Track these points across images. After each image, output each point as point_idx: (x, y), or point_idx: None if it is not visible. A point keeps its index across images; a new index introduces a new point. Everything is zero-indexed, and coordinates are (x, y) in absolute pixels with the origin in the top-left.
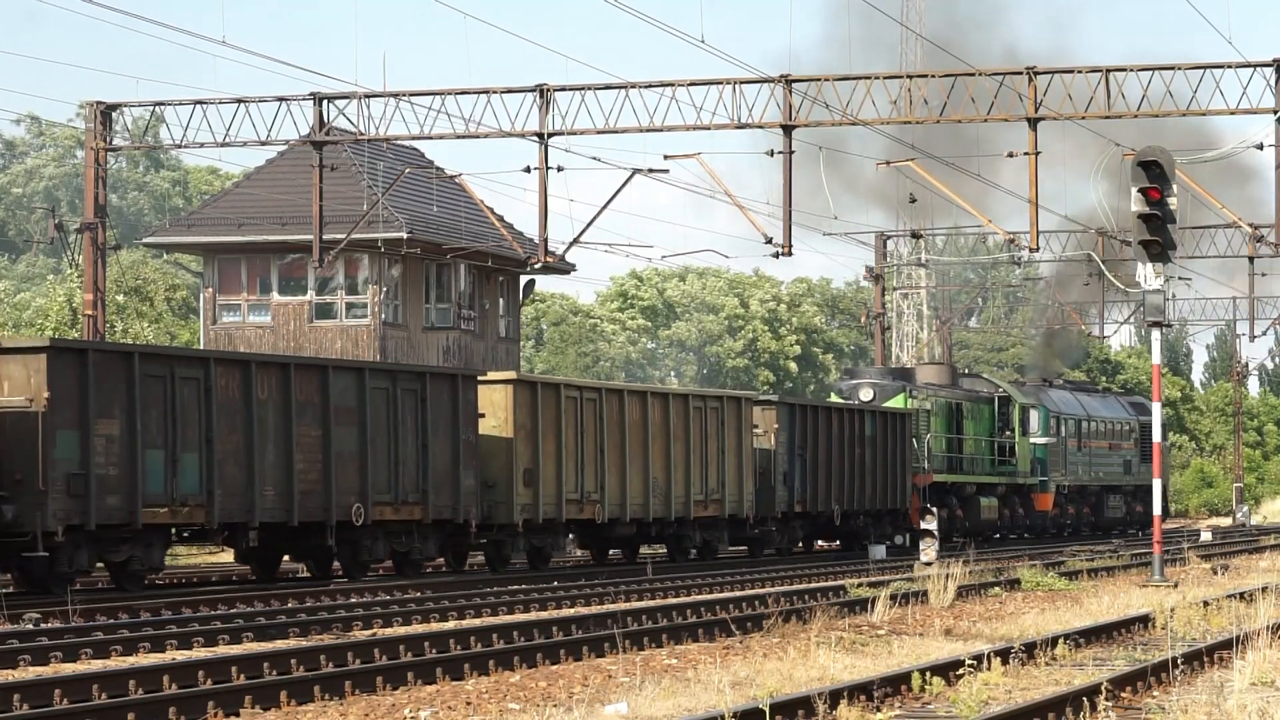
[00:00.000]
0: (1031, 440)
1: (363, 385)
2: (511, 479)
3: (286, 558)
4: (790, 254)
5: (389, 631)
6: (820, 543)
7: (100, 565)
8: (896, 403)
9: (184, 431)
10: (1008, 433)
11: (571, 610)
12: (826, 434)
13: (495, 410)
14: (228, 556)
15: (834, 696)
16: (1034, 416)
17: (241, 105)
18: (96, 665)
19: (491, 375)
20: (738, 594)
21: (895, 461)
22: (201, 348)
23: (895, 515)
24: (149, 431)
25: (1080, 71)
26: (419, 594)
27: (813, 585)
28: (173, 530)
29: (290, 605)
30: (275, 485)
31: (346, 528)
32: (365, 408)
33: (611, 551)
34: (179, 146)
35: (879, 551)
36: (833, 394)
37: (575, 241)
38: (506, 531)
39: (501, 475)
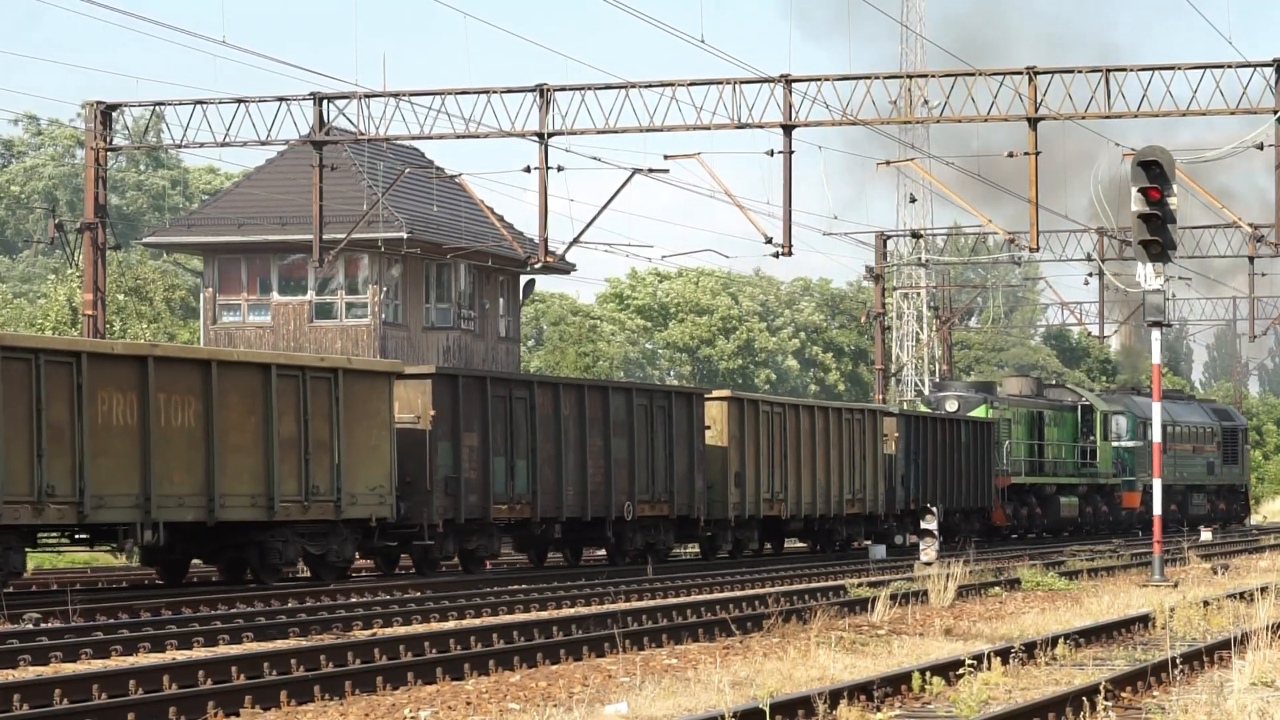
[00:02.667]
0: (1116, 444)
1: (630, 402)
2: (726, 481)
3: (545, 551)
4: (790, 254)
5: (389, 631)
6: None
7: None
8: (979, 413)
9: (517, 442)
10: (1091, 438)
11: (571, 610)
12: (932, 441)
13: (715, 423)
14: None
15: (834, 696)
16: (1121, 422)
17: (241, 105)
18: (96, 665)
19: (716, 393)
20: (738, 594)
21: (981, 465)
22: (495, 370)
23: (981, 512)
24: (495, 442)
25: (1080, 71)
26: (419, 594)
27: (813, 585)
28: (508, 524)
29: (290, 605)
30: (575, 486)
31: (619, 522)
32: (632, 422)
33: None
34: (179, 146)
35: (879, 551)
36: (920, 405)
37: (575, 241)
38: (720, 526)
39: (718, 478)
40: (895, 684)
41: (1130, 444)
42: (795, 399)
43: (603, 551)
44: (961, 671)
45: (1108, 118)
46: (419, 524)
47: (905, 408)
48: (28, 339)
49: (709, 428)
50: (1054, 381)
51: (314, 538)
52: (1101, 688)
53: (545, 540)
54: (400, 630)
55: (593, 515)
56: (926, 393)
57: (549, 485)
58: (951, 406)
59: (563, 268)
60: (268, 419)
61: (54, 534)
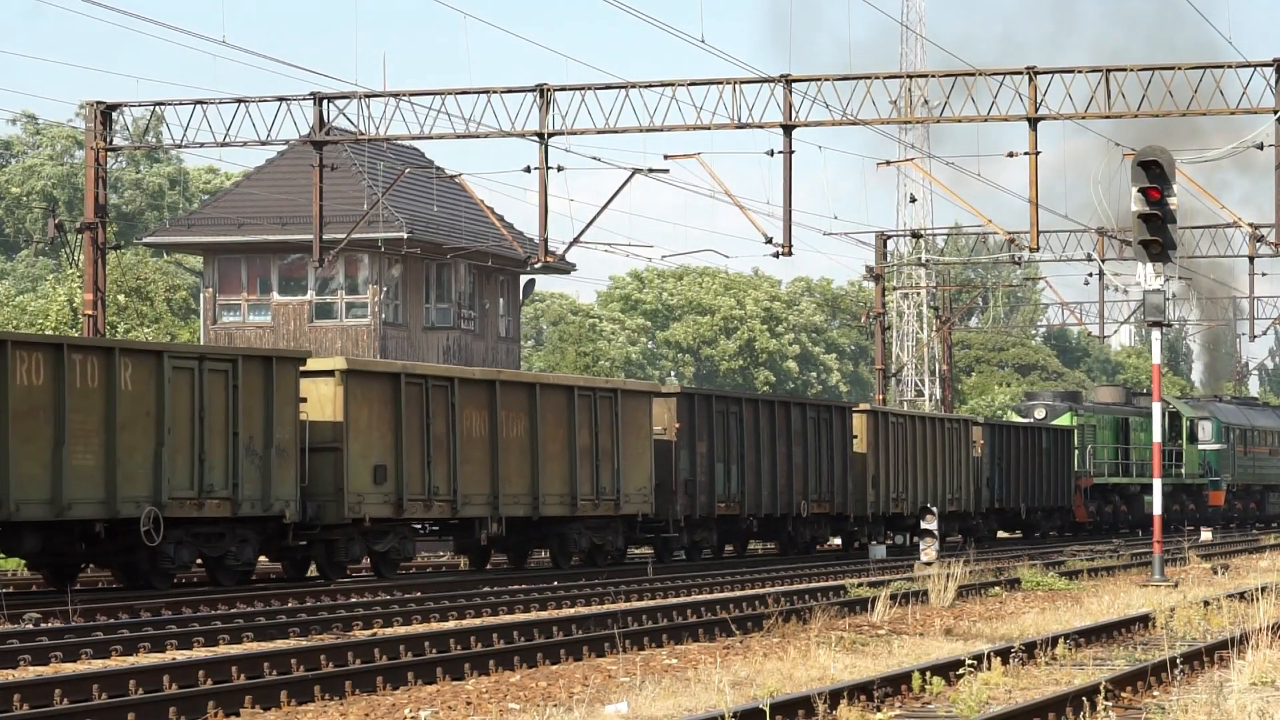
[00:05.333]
0: (1202, 447)
1: (804, 415)
2: (865, 483)
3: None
4: (790, 254)
5: (389, 631)
6: (1001, 533)
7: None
8: (1063, 420)
9: (731, 450)
10: (1178, 441)
11: (572, 610)
12: (1015, 447)
13: (860, 433)
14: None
15: (834, 696)
16: (1206, 426)
17: (241, 105)
18: (96, 665)
19: (860, 406)
20: (738, 594)
21: (1061, 467)
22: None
23: (1062, 510)
24: (717, 451)
25: (1080, 71)
26: (419, 594)
27: (813, 585)
28: (720, 519)
29: (290, 605)
30: (768, 488)
31: (797, 519)
32: (805, 432)
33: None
34: (179, 146)
35: (879, 551)
36: (1011, 413)
37: (575, 241)
38: (860, 521)
39: (860, 480)
40: (895, 684)
41: (1215, 447)
42: (912, 412)
43: (772, 544)
44: (961, 671)
45: (1108, 118)
46: (666, 519)
47: (990, 417)
48: (424, 367)
49: (855, 437)
50: (1142, 390)
51: (597, 530)
52: (1101, 688)
53: (749, 534)
54: (400, 630)
55: (780, 512)
56: (926, 394)
57: (751, 487)
58: (1040, 414)
59: (563, 268)
60: (571, 431)
61: (434, 526)
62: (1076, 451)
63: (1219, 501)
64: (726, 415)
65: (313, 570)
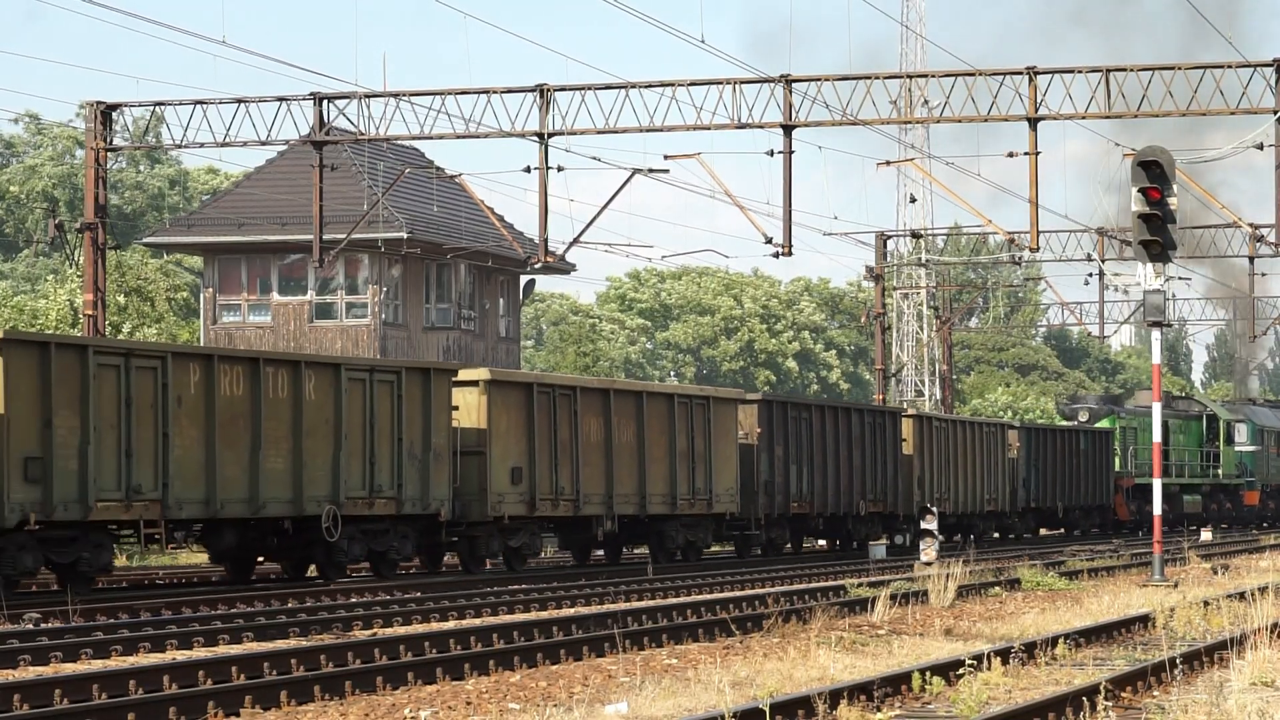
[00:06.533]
0: (1238, 449)
1: (863, 421)
2: (912, 484)
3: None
4: (790, 254)
5: (389, 631)
6: (1043, 530)
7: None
8: (1105, 423)
9: (802, 453)
10: (1215, 443)
11: (571, 610)
12: (1051, 448)
13: (908, 436)
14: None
15: (834, 696)
16: (1242, 429)
17: (241, 105)
18: (96, 665)
19: (908, 412)
20: (737, 594)
21: (1101, 468)
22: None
23: (1100, 509)
24: (791, 453)
25: (1080, 71)
26: (419, 594)
27: (812, 585)
28: (792, 517)
29: (290, 605)
30: (832, 489)
31: (855, 518)
32: (864, 436)
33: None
34: (179, 146)
35: (879, 551)
36: (1057, 415)
37: (575, 241)
38: (908, 520)
39: (906, 482)
40: (895, 684)
41: (1251, 449)
42: (953, 417)
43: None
44: (961, 671)
45: (1108, 118)
46: (749, 518)
47: (1026, 421)
48: (552, 377)
49: (904, 440)
50: (1181, 394)
51: (691, 528)
52: (1101, 688)
53: (815, 532)
54: (400, 630)
55: (844, 511)
56: (926, 394)
57: (819, 487)
58: (1083, 417)
59: (563, 268)
60: (671, 436)
61: (549, 525)
62: (1117, 454)
63: (1254, 501)
64: (799, 421)
65: (312, 570)
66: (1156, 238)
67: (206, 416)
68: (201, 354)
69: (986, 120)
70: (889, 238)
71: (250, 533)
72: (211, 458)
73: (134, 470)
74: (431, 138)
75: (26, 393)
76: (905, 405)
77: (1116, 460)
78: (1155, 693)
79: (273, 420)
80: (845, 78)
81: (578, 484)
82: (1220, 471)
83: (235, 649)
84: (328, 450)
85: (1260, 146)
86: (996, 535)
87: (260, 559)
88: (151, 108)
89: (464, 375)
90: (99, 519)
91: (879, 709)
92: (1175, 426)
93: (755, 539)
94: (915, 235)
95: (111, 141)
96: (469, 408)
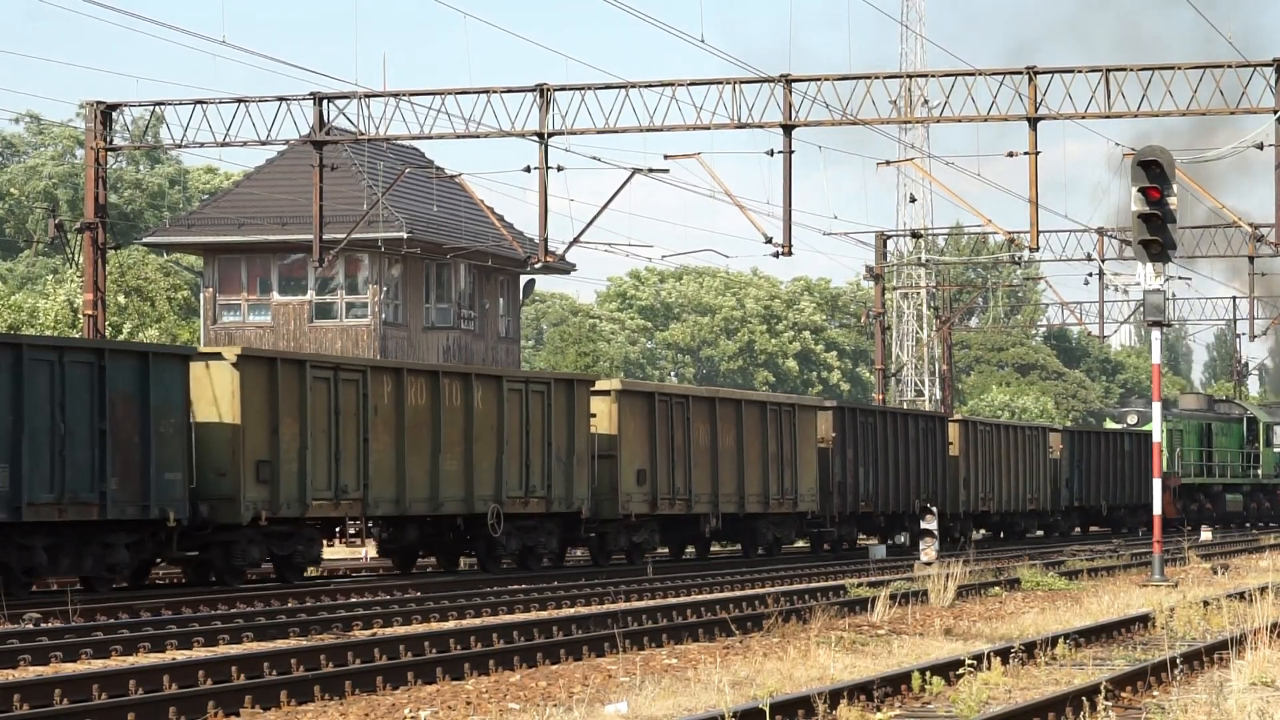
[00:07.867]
0: (1277, 450)
1: (917, 425)
2: (958, 485)
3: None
4: (790, 254)
5: (389, 631)
6: (1093, 527)
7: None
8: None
9: (869, 455)
10: (1255, 445)
11: (571, 610)
12: (1096, 451)
13: (954, 439)
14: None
15: (834, 696)
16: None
17: (241, 105)
18: (96, 665)
19: (955, 416)
20: (737, 594)
21: (1146, 469)
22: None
23: (1147, 508)
24: (860, 456)
25: (1080, 71)
26: (419, 594)
27: (812, 585)
28: (857, 515)
29: (290, 605)
30: (892, 488)
31: (910, 515)
32: (919, 439)
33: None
34: (179, 146)
35: (879, 551)
36: (1107, 419)
37: (575, 241)
38: (954, 519)
39: (953, 482)
40: (895, 684)
41: None
42: (996, 421)
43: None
44: (961, 671)
45: (1108, 118)
46: (824, 516)
47: (1069, 425)
48: (669, 387)
49: (951, 443)
50: (1223, 397)
51: (778, 526)
52: (1101, 688)
53: (880, 530)
54: (400, 630)
55: (901, 509)
56: (926, 394)
57: (881, 488)
58: (1131, 420)
59: (563, 268)
60: (764, 441)
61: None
62: (1165, 454)
63: None
64: (866, 426)
65: (311, 570)
66: (1156, 237)
67: (397, 424)
68: (392, 367)
69: (986, 120)
70: (889, 237)
71: (428, 529)
72: (401, 461)
73: (341, 472)
74: (431, 138)
75: (257, 404)
76: (904, 402)
77: (1164, 461)
78: (1155, 692)
79: (450, 427)
80: (845, 77)
81: (690, 485)
82: (1260, 472)
83: (235, 649)
84: (492, 454)
85: (1260, 146)
86: (1040, 533)
87: (420, 553)
88: (151, 107)
89: (598, 385)
90: (314, 515)
91: (879, 709)
92: (1217, 429)
93: (828, 535)
94: (915, 235)
95: (111, 141)
96: (602, 415)
